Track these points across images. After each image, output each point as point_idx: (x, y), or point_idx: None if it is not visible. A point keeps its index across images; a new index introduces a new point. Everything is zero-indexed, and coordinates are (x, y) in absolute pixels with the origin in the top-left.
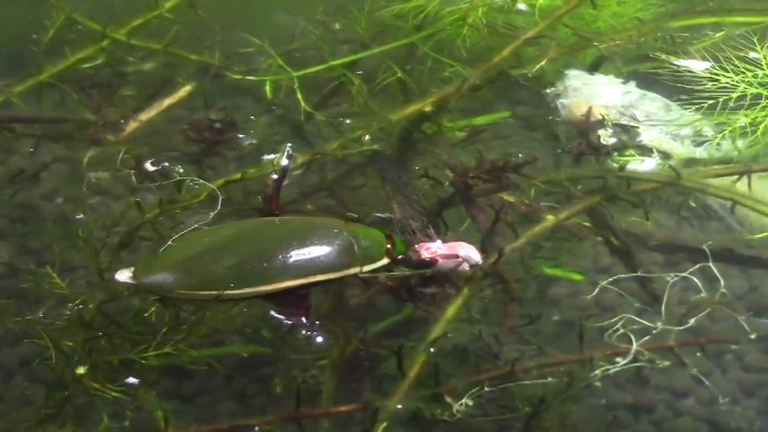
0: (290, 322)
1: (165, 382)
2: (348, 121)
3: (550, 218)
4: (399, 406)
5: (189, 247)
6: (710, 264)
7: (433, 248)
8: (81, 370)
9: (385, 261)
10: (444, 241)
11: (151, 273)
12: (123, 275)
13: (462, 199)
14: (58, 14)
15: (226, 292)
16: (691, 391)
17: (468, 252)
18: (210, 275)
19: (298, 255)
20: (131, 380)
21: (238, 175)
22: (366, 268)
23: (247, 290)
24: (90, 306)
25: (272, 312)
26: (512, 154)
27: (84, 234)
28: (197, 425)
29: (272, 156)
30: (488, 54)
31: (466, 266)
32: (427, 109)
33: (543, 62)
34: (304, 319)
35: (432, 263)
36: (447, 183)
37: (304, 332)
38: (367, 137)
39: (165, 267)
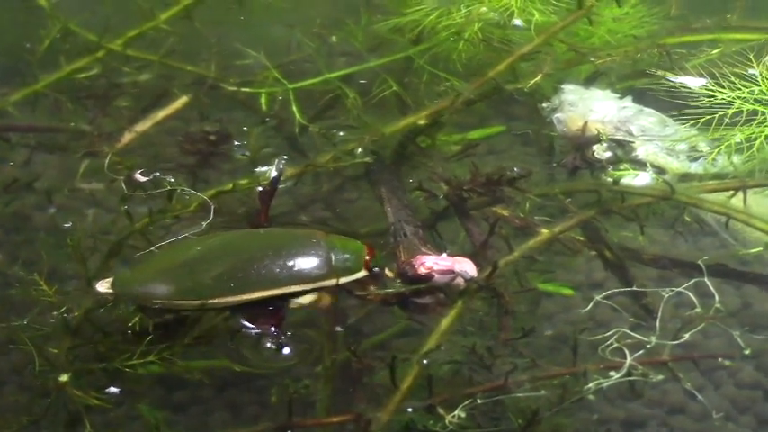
0: (258, 332)
1: (157, 391)
2: (341, 134)
3: (545, 231)
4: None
5: (168, 257)
6: (705, 279)
7: (429, 263)
8: (64, 378)
9: (363, 273)
10: (450, 254)
11: (130, 283)
12: (103, 286)
13: (457, 212)
14: (54, 24)
15: (203, 302)
16: (684, 406)
17: (464, 266)
18: (189, 286)
19: (273, 265)
20: (117, 389)
21: (230, 186)
22: (343, 280)
23: (223, 300)
24: (76, 314)
25: (243, 321)
26: (506, 168)
27: (73, 242)
28: None
29: (265, 168)
30: (484, 69)
31: (460, 280)
32: (422, 122)
33: (539, 77)
34: (273, 330)
35: (427, 278)
36: (441, 196)
37: (271, 343)
38: (359, 149)
39: (143, 278)
